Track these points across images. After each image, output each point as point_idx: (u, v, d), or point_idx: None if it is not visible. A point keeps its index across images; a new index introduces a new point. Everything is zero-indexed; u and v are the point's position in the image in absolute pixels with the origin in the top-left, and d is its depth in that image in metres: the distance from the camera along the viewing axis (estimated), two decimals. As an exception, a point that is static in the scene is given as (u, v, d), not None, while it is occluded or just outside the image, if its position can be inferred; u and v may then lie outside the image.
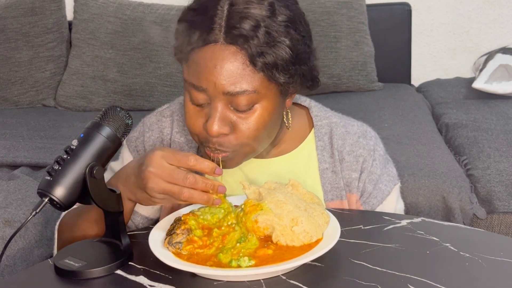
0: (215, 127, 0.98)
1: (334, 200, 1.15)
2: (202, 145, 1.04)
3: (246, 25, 0.95)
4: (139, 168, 0.96)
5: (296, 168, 1.16)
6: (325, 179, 1.15)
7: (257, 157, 1.12)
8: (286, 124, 1.12)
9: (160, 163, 0.94)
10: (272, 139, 1.09)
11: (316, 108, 1.19)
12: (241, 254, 0.90)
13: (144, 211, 1.16)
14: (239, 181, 1.00)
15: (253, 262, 0.89)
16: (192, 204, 1.03)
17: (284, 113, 1.10)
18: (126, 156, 1.20)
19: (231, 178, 1.13)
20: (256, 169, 1.15)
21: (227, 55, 0.96)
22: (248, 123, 1.00)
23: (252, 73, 0.97)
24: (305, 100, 1.20)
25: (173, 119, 1.19)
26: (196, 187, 0.94)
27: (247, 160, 1.08)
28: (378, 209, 1.16)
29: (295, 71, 1.00)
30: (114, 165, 1.20)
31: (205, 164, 0.94)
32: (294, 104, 1.18)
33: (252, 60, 0.96)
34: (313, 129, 1.17)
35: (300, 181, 1.09)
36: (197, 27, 0.98)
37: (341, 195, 1.15)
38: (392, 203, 1.18)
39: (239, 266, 0.89)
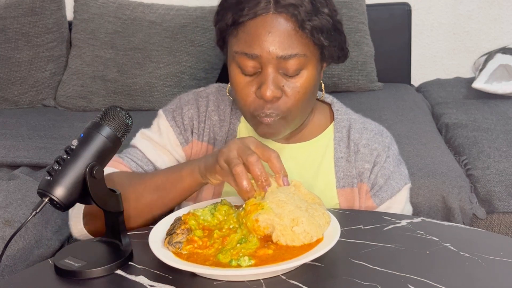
0: (269, 91, 1.05)
1: (345, 187, 1.20)
2: (253, 117, 1.11)
3: None
4: (228, 142, 1.02)
5: (312, 155, 1.22)
6: (338, 167, 1.20)
7: (278, 141, 1.21)
8: (321, 96, 1.23)
9: (247, 143, 0.99)
10: (310, 112, 1.17)
11: (338, 104, 1.26)
12: (241, 254, 0.90)
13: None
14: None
15: (253, 261, 0.89)
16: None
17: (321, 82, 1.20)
18: (163, 124, 1.25)
19: None
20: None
21: (279, 22, 1.04)
22: (297, 86, 1.08)
23: (301, 37, 1.05)
24: (328, 97, 1.27)
25: (209, 99, 1.26)
26: (251, 168, 0.96)
27: (287, 133, 1.16)
28: (386, 204, 1.20)
29: (335, 38, 1.10)
30: (148, 132, 1.25)
31: (280, 165, 0.98)
32: (318, 100, 1.25)
33: (302, 25, 1.04)
34: (333, 122, 1.24)
35: (315, 168, 1.19)
36: (245, 2, 1.06)
37: (352, 183, 1.20)
38: (401, 202, 1.22)
39: (239, 266, 0.89)
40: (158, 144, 1.23)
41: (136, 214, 1.10)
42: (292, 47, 1.04)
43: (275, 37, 1.04)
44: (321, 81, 1.20)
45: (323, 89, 1.24)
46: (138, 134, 1.25)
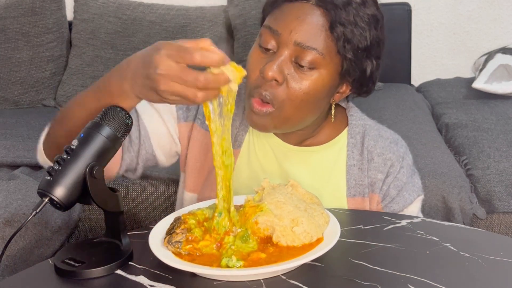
0: (271, 71, 1.03)
1: (356, 196, 1.17)
2: (249, 97, 1.08)
3: None
4: (147, 69, 0.88)
5: (324, 161, 1.19)
6: (350, 175, 1.18)
7: (291, 143, 1.18)
8: (332, 116, 1.17)
9: (168, 63, 0.86)
10: (309, 122, 1.12)
11: (353, 109, 1.23)
12: (232, 256, 0.90)
13: (162, 154, 1.18)
14: (254, 188, 1.02)
15: (241, 263, 0.89)
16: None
17: (333, 104, 1.15)
18: None
19: (264, 160, 1.19)
20: (287, 154, 1.19)
21: (313, 13, 1.04)
22: (302, 83, 1.05)
23: (327, 37, 1.04)
24: (343, 100, 1.24)
25: None
26: (208, 87, 0.87)
27: (281, 131, 1.13)
28: None
29: (361, 58, 1.07)
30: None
31: (213, 58, 0.86)
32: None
33: (333, 25, 1.03)
34: (347, 127, 1.20)
35: (326, 174, 1.16)
36: None
37: (363, 193, 1.18)
38: (413, 213, 1.20)
39: (228, 266, 0.89)
40: (156, 110, 1.17)
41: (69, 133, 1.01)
42: (313, 40, 1.03)
43: (302, 24, 1.03)
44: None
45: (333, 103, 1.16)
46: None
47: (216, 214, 0.95)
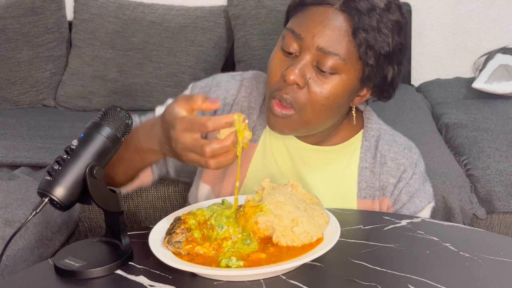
0: (292, 75, 1.03)
1: (366, 198, 1.17)
2: (269, 100, 1.08)
3: (363, 4, 1.04)
4: (169, 144, 0.96)
5: (337, 161, 1.19)
6: (362, 177, 1.18)
7: (305, 141, 1.18)
8: (354, 119, 1.18)
9: (184, 139, 0.93)
10: (329, 125, 1.13)
11: (369, 112, 1.23)
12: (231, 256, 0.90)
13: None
14: (254, 188, 1.01)
15: (241, 263, 0.89)
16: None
17: (353, 108, 1.16)
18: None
19: (279, 157, 1.19)
20: (301, 152, 1.19)
21: (337, 18, 1.04)
22: (323, 87, 1.05)
23: (349, 42, 1.04)
24: (362, 104, 1.24)
25: (242, 84, 1.23)
26: (217, 154, 0.92)
27: (299, 134, 1.14)
28: None
29: (383, 64, 1.07)
30: (169, 100, 1.20)
31: (222, 122, 0.92)
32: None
33: (355, 32, 1.03)
34: (362, 129, 1.21)
35: (338, 175, 1.16)
36: None
37: (374, 195, 1.18)
38: None
39: (227, 266, 0.89)
40: None
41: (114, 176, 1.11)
42: (336, 46, 1.03)
43: (325, 29, 1.03)
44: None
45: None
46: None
47: (217, 226, 0.95)
